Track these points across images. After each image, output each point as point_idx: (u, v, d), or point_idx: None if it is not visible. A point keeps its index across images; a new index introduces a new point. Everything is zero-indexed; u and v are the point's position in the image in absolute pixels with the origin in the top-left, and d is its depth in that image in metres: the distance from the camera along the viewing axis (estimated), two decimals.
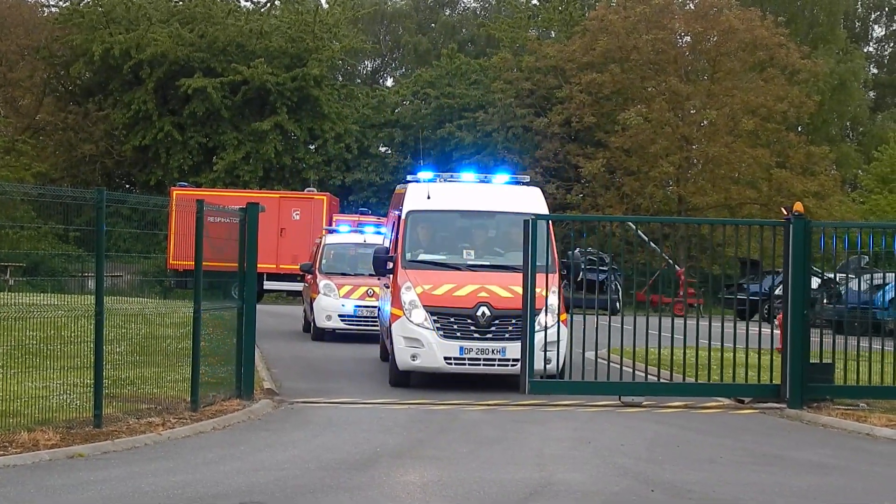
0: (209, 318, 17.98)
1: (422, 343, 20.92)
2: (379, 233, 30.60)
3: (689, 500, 12.44)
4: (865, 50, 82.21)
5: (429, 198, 22.51)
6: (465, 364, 20.96)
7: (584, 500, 12.32)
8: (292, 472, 13.36)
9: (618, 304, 29.86)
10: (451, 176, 24.07)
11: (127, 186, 62.49)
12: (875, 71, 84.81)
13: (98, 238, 15.19)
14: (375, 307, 27.65)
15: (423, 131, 60.73)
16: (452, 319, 20.94)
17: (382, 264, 22.24)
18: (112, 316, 16.04)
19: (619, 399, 20.16)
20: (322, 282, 30.25)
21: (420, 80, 64.87)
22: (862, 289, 23.18)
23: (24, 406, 14.69)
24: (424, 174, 23.32)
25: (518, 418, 18.37)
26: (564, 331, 21.04)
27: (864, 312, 22.40)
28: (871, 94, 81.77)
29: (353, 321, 29.95)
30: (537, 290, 21.01)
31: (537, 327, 20.69)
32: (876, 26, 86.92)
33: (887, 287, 29.94)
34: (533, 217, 19.96)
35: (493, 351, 20.87)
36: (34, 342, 15.19)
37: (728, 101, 55.49)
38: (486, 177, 24.09)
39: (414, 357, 21.01)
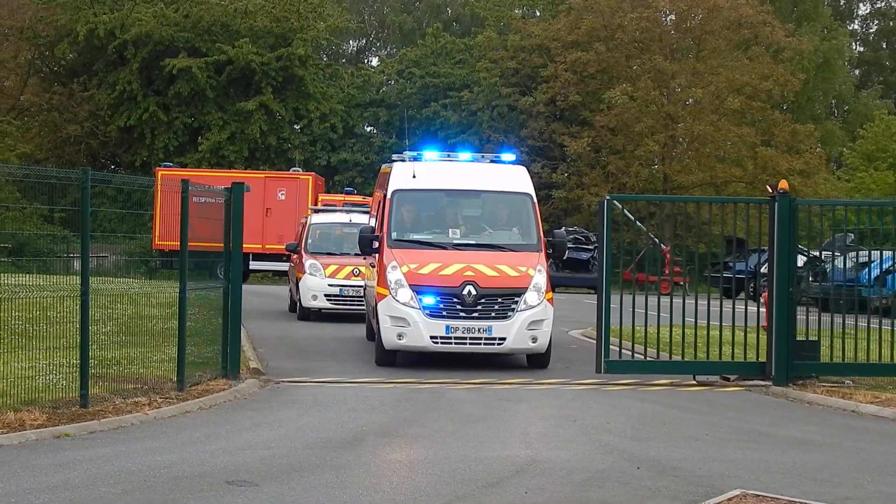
0: (195, 299, 17.95)
1: (408, 322, 20.86)
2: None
3: (674, 478, 12.46)
4: (850, 28, 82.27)
5: (414, 177, 22.41)
6: (451, 343, 20.91)
7: (569, 477, 12.33)
8: (278, 452, 13.36)
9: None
10: (437, 155, 24.04)
11: (112, 167, 62.40)
12: (860, 49, 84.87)
13: (83, 219, 15.16)
14: (361, 287, 27.60)
15: (408, 111, 60.66)
16: (438, 298, 20.91)
17: (368, 243, 22.18)
18: (98, 296, 16.02)
19: (694, 378, 20.08)
20: (308, 261, 30.19)
21: (405, 60, 64.82)
22: (847, 266, 23.17)
23: (11, 386, 14.67)
24: (410, 153, 23.27)
25: (504, 396, 18.38)
26: (550, 309, 21.07)
27: (849, 290, 22.42)
28: (856, 71, 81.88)
29: (338, 301, 29.88)
30: (523, 268, 21.07)
31: (523, 306, 20.75)
32: (861, 4, 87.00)
33: (873, 264, 29.96)
34: (607, 199, 19.80)
35: (479, 330, 20.81)
36: (20, 323, 15.16)
37: (713, 80, 55.55)
38: (471, 156, 24.05)
39: (400, 336, 20.96)
